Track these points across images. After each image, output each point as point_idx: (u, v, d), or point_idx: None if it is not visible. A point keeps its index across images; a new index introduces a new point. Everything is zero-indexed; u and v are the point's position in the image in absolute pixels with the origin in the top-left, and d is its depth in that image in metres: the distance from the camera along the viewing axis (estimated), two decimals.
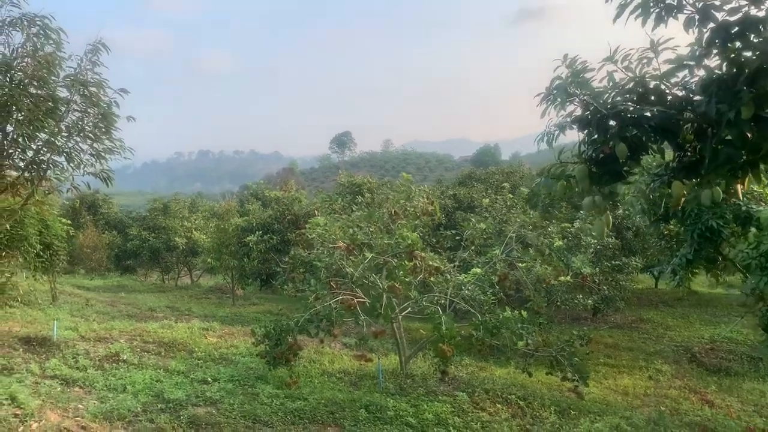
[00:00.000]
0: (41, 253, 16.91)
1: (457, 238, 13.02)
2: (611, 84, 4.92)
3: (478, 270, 11.39)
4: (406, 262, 9.33)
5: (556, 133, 5.14)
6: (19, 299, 11.77)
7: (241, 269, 25.11)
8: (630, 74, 4.77)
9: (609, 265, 19.83)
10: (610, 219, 5.37)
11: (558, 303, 18.31)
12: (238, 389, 9.44)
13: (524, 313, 10.71)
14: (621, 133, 4.65)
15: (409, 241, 9.55)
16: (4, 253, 11.85)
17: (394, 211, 10.43)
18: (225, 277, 28.09)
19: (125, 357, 10.61)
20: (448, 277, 10.44)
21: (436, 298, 10.05)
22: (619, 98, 4.77)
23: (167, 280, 37.32)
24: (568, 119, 5.01)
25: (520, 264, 11.47)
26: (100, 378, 9.00)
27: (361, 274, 9.04)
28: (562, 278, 13.06)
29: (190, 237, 34.20)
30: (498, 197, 22.21)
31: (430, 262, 9.84)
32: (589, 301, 18.04)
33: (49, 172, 10.38)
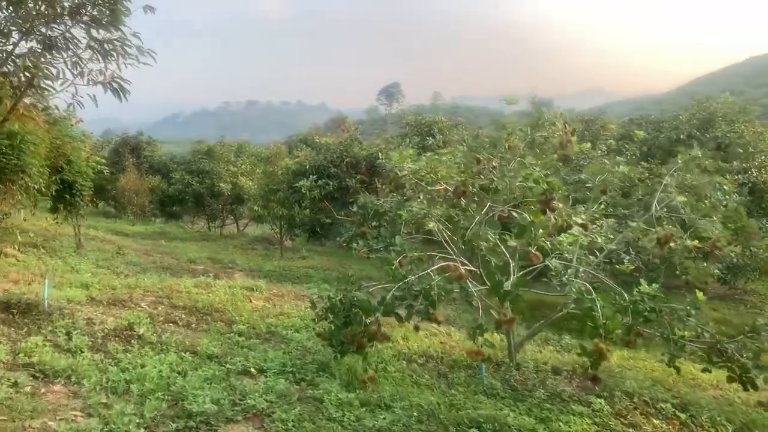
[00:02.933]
0: (58, 193, 14.45)
1: (588, 185, 9.79)
2: None
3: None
4: (539, 215, 6.22)
5: None
6: (16, 246, 9.13)
7: (290, 219, 22.46)
8: None
9: (734, 227, 16.35)
10: None
11: (677, 271, 15.11)
12: (293, 389, 6.58)
13: (701, 295, 7.59)
14: None
15: (545, 186, 6.42)
16: None
17: (508, 146, 7.24)
18: (273, 226, 25.54)
19: (141, 331, 7.85)
20: (596, 238, 7.33)
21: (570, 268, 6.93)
22: None
23: (213, 228, 35.14)
24: None
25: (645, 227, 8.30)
26: (94, 369, 6.22)
27: (476, 230, 5.96)
28: (689, 242, 9.89)
29: (236, 183, 31.68)
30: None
31: (575, 218, 6.71)
32: (716, 270, 14.69)
33: (39, 75, 7.54)
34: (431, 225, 7.90)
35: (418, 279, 6.03)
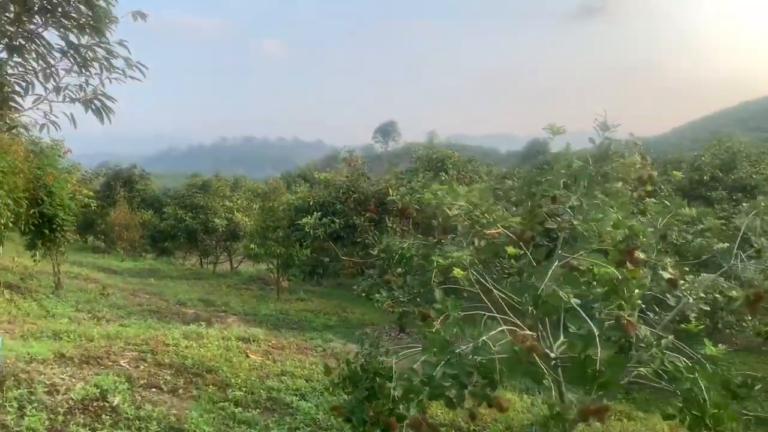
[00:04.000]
0: (37, 228, 13.10)
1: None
2: None
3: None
4: (636, 271, 4.80)
5: None
6: None
7: (288, 258, 21.03)
8: None
9: None
10: None
11: (719, 325, 13.84)
12: None
13: None
14: None
15: (625, 233, 5.10)
16: None
17: (579, 181, 5.86)
18: (269, 266, 24.10)
19: (115, 401, 6.36)
20: (687, 296, 6.00)
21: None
22: None
23: (206, 265, 33.61)
24: None
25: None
26: None
27: (549, 288, 4.58)
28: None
29: (232, 218, 30.30)
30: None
31: (661, 271, 5.37)
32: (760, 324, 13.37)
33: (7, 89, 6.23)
34: (459, 273, 6.52)
35: (473, 350, 4.63)
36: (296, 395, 7.96)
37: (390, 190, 14.66)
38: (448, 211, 5.12)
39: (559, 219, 4.86)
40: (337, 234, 15.02)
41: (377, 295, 6.97)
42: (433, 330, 5.28)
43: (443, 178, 15.97)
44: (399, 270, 7.52)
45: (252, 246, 23.73)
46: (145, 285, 21.73)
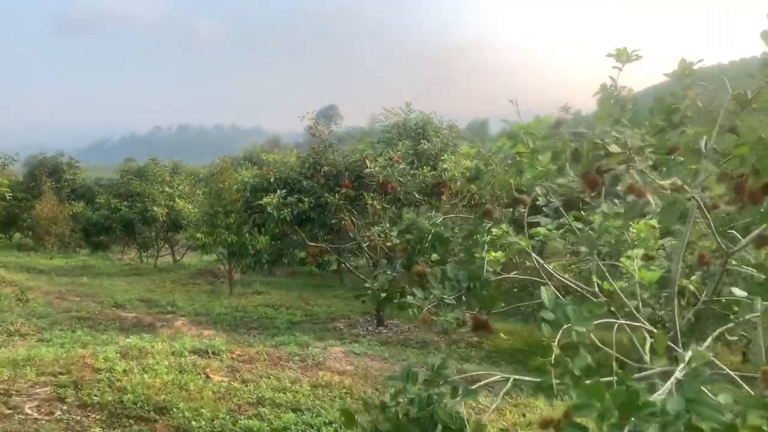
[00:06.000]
0: None
1: None
2: None
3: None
4: None
5: None
6: None
7: (240, 246, 18.32)
8: None
9: None
10: None
11: None
12: None
13: None
14: None
15: None
16: None
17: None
18: (219, 256, 21.29)
19: None
20: None
21: None
22: None
23: (146, 259, 30.45)
24: None
25: None
26: None
27: None
28: None
29: (173, 206, 27.24)
30: None
31: None
32: None
33: None
34: (493, 255, 4.27)
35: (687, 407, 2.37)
36: None
37: (367, 162, 12.31)
38: (607, 146, 2.81)
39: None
40: (306, 215, 12.59)
41: (409, 298, 4.56)
42: (554, 361, 2.94)
43: (425, 146, 13.73)
44: (434, 257, 5.23)
45: (198, 235, 20.88)
46: (76, 285, 18.77)
